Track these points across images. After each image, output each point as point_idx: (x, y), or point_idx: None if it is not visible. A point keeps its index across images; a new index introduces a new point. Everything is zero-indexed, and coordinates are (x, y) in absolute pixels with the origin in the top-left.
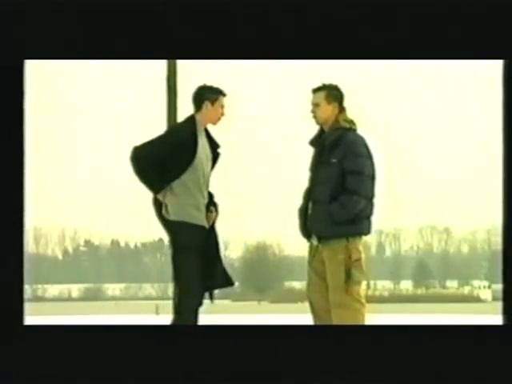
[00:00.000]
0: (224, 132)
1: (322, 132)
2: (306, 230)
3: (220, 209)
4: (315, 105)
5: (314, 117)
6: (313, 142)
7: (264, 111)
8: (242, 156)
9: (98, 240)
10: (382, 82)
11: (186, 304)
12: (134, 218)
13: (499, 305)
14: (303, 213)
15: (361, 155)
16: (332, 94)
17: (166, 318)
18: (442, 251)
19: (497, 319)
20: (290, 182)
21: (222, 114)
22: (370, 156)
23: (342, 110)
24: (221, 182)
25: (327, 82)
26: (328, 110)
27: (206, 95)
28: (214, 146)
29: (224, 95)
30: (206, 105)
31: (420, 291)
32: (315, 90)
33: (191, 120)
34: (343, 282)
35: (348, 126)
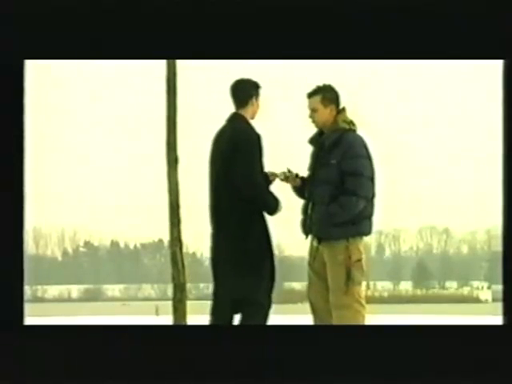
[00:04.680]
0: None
1: (321, 132)
2: (305, 228)
3: None
4: (312, 110)
5: (313, 121)
6: (312, 141)
7: (264, 111)
8: None
9: (98, 241)
10: (381, 82)
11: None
12: (133, 218)
13: (499, 305)
14: (305, 210)
15: (360, 156)
16: (327, 96)
17: (165, 319)
18: (442, 252)
19: (497, 320)
20: None
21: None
22: (369, 157)
23: (340, 110)
24: None
25: (322, 83)
26: (326, 114)
27: (252, 90)
28: None
29: (260, 88)
30: (253, 100)
31: (420, 292)
32: (310, 95)
33: (242, 118)
34: (344, 282)
35: (347, 126)
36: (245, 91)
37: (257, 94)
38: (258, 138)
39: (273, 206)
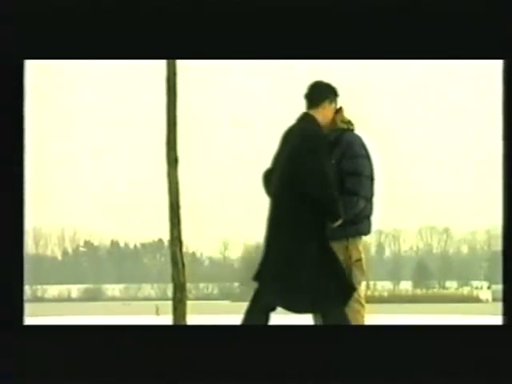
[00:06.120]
0: (225, 132)
1: None
2: None
3: (220, 209)
4: None
5: None
6: None
7: (264, 111)
8: (240, 156)
9: (98, 240)
10: (381, 82)
11: None
12: (133, 218)
13: (499, 305)
14: None
15: (359, 156)
16: None
17: (165, 319)
18: (442, 252)
19: (497, 320)
20: None
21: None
22: (368, 156)
23: (338, 110)
24: (220, 181)
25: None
26: None
27: (328, 93)
28: None
29: (338, 96)
30: (324, 103)
31: (420, 292)
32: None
33: (312, 119)
34: None
35: (346, 126)
36: (319, 92)
37: (332, 99)
38: (327, 139)
39: (339, 210)
